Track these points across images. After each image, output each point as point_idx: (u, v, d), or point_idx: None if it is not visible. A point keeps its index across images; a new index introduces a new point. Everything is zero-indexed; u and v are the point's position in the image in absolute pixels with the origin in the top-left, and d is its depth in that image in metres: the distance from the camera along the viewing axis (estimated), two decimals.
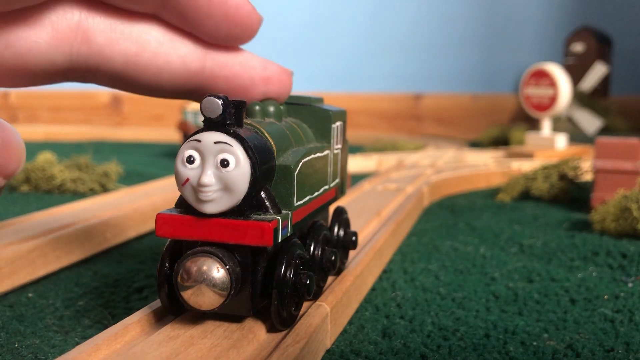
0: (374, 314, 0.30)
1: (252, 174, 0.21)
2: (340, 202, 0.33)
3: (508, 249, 0.43)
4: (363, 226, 0.40)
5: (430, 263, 0.39)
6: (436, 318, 0.30)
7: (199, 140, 0.21)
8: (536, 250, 0.42)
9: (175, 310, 0.24)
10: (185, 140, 0.22)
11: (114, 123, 1.49)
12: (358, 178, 0.66)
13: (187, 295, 0.21)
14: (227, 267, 0.21)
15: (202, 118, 0.21)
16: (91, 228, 0.40)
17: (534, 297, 0.33)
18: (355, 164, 0.79)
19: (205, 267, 0.21)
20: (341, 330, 0.28)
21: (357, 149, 0.97)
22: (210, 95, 0.21)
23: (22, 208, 0.54)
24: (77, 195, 0.62)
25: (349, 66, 1.44)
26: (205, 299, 0.21)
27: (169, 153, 1.03)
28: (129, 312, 0.29)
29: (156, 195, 0.52)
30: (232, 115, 0.21)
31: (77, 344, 0.26)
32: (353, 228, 0.39)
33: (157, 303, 0.25)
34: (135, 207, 0.46)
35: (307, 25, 1.44)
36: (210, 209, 0.21)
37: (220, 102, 0.21)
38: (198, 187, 0.21)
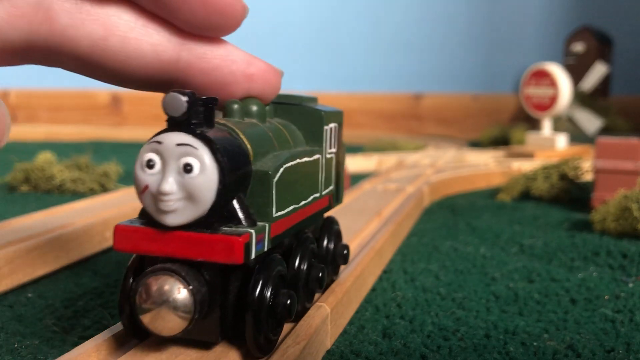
0: (374, 314, 0.30)
1: (220, 181, 0.19)
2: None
3: (508, 249, 0.43)
4: (363, 226, 0.40)
5: (430, 263, 0.39)
6: (436, 318, 0.30)
7: (159, 142, 0.19)
8: (536, 251, 0.42)
9: (139, 334, 0.21)
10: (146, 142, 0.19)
11: (114, 123, 1.49)
12: (358, 178, 0.66)
13: (147, 319, 0.19)
14: (191, 287, 0.19)
15: None
16: (91, 228, 0.40)
17: (535, 297, 0.33)
18: (355, 164, 0.79)
19: (166, 287, 0.19)
20: (341, 331, 0.28)
21: (357, 149, 0.97)
22: (173, 91, 0.19)
23: (22, 208, 0.54)
24: (76, 195, 0.62)
25: (348, 66, 1.44)
26: (165, 323, 0.19)
27: None
28: None
29: None
30: (199, 113, 0.19)
31: (77, 344, 0.26)
32: (353, 228, 0.39)
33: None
34: (135, 206, 0.46)
35: (307, 24, 1.44)
36: (172, 220, 0.19)
37: (184, 98, 0.18)
38: (158, 195, 0.18)
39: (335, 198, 0.28)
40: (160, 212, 0.19)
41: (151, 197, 0.19)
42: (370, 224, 0.41)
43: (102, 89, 1.49)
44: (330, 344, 0.26)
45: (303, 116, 0.26)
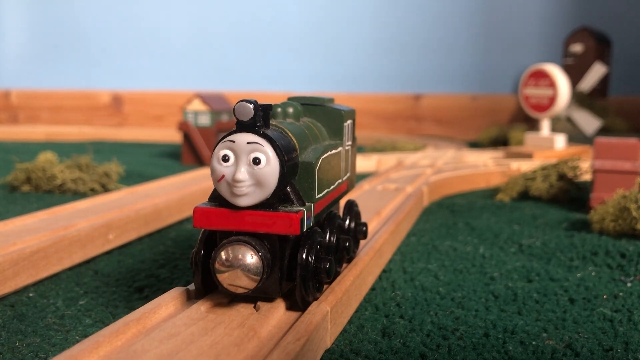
0: (373, 314, 0.30)
1: (280, 171, 0.23)
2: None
3: (507, 248, 0.43)
4: None
5: (429, 263, 0.39)
6: (436, 317, 0.30)
7: (233, 141, 0.23)
8: (535, 250, 0.42)
9: (208, 293, 0.26)
10: (219, 141, 0.24)
11: (115, 123, 1.49)
12: (358, 178, 0.66)
13: (224, 279, 0.24)
14: (260, 253, 0.23)
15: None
16: (94, 230, 0.40)
17: (533, 296, 0.33)
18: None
19: (240, 255, 0.23)
20: (341, 330, 0.28)
21: (357, 150, 0.97)
22: (241, 101, 0.23)
23: (24, 208, 0.54)
24: (77, 195, 0.62)
25: (349, 67, 1.44)
26: (240, 282, 0.23)
27: (170, 153, 1.03)
28: (130, 311, 0.29)
29: (157, 197, 0.52)
30: (261, 117, 0.24)
31: (78, 342, 0.26)
32: None
33: (157, 301, 0.25)
34: (137, 208, 0.46)
35: (308, 26, 1.44)
36: (243, 202, 0.23)
37: (251, 106, 0.23)
38: (233, 183, 0.23)
39: (350, 183, 0.33)
40: (234, 195, 0.23)
41: (226, 185, 0.23)
42: (369, 224, 0.42)
43: (102, 90, 1.49)
44: (330, 343, 0.27)
45: (326, 115, 0.30)
